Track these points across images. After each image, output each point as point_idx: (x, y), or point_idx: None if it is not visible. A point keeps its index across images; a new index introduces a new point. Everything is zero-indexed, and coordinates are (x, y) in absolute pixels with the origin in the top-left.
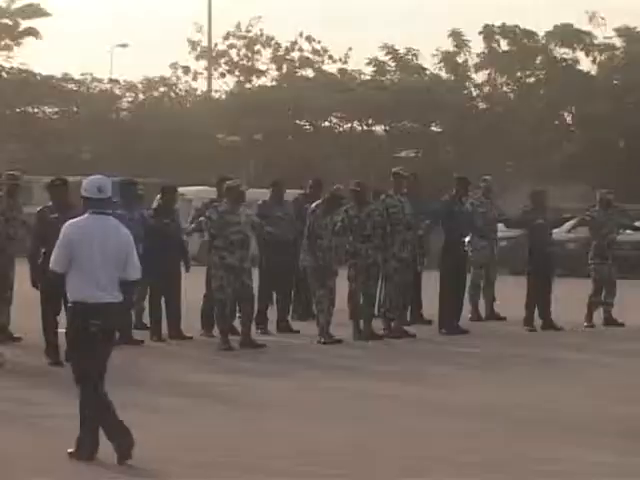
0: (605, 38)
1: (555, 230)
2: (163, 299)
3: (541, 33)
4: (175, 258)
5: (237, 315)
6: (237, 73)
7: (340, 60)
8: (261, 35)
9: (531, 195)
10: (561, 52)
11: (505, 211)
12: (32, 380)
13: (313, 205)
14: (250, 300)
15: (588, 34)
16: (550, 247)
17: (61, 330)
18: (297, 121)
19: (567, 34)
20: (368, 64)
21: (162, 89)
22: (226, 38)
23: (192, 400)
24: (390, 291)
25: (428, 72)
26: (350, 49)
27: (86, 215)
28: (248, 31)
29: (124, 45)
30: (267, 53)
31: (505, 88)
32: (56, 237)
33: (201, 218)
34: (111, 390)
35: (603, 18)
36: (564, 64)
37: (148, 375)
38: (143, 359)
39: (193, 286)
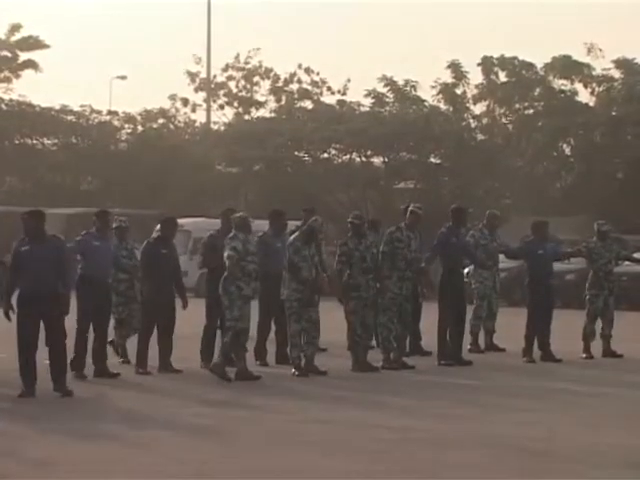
0: (603, 70)
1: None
2: (156, 330)
3: (540, 64)
4: (170, 289)
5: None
6: (236, 105)
7: (339, 91)
8: (260, 67)
9: (532, 226)
10: (560, 83)
11: (505, 242)
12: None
13: (292, 237)
14: (248, 331)
15: (587, 66)
16: (550, 278)
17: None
18: (296, 152)
19: (566, 66)
20: (367, 95)
21: (161, 121)
22: (225, 70)
23: (174, 433)
24: (387, 322)
25: (427, 103)
26: (349, 80)
27: None
28: (247, 63)
29: (123, 77)
30: (266, 85)
31: (504, 119)
32: (27, 268)
33: (227, 253)
34: (87, 423)
35: (601, 50)
36: (563, 95)
37: (132, 409)
38: (124, 392)
39: (189, 318)
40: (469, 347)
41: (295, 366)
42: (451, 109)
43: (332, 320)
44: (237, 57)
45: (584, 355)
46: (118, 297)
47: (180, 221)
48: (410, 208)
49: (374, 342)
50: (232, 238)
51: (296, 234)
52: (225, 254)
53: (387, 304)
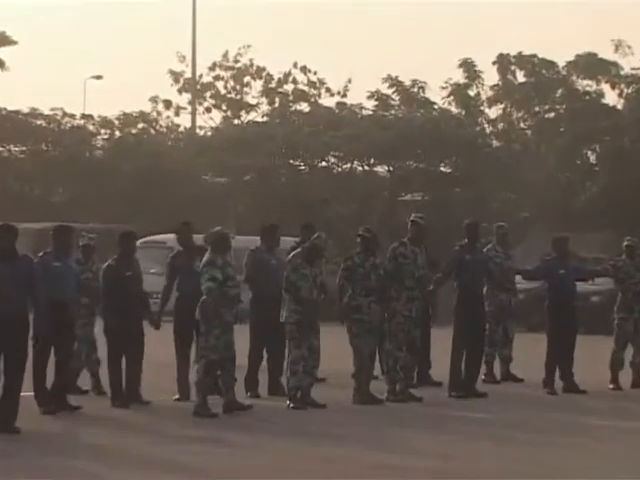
0: (633, 69)
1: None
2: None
3: (562, 63)
4: (137, 314)
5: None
6: (224, 108)
7: (339, 93)
8: (251, 66)
9: (553, 242)
10: (584, 84)
11: (522, 261)
12: None
13: (291, 255)
14: (234, 359)
15: (614, 64)
16: (573, 300)
17: None
18: (291, 161)
19: (590, 64)
20: (370, 97)
21: (141, 125)
22: (212, 69)
23: (143, 474)
24: (393, 350)
25: (436, 106)
26: (349, 81)
27: None
28: (236, 61)
29: (99, 77)
30: (257, 85)
31: (522, 124)
32: None
33: (205, 285)
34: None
35: (630, 47)
36: (587, 97)
37: (105, 446)
38: (94, 428)
39: (164, 343)
40: (483, 377)
41: (291, 397)
42: (463, 113)
43: (331, 346)
44: (225, 55)
45: (611, 386)
46: (81, 319)
47: (162, 237)
48: (411, 218)
49: (378, 371)
50: (209, 264)
51: (297, 251)
52: (203, 286)
53: (394, 329)
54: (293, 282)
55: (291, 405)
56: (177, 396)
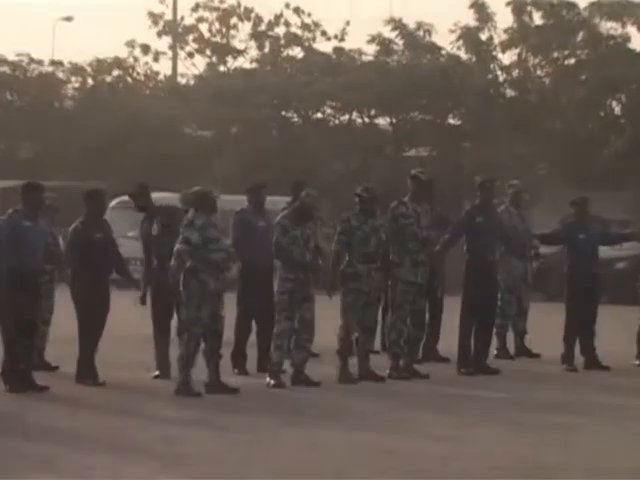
0: None
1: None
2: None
3: (583, 4)
4: (107, 282)
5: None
6: (208, 53)
7: (335, 37)
8: (238, 6)
9: (571, 204)
10: (608, 27)
11: (539, 224)
12: None
13: (279, 216)
14: (220, 334)
15: None
16: (595, 267)
17: None
18: (283, 112)
19: (615, 5)
20: (370, 42)
21: (116, 73)
22: (195, 10)
23: (116, 458)
24: (397, 322)
25: (444, 52)
26: (348, 23)
27: None
28: (222, 1)
29: (68, 19)
30: (245, 28)
31: (539, 71)
32: None
33: (177, 247)
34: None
35: None
36: (611, 42)
37: (74, 429)
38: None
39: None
40: (495, 352)
41: (271, 374)
42: (474, 59)
43: (326, 319)
44: None
45: (638, 362)
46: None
47: None
48: (412, 173)
49: (379, 346)
50: (186, 225)
51: (285, 212)
52: (175, 247)
53: (398, 299)
54: (283, 246)
55: (272, 383)
56: (156, 373)
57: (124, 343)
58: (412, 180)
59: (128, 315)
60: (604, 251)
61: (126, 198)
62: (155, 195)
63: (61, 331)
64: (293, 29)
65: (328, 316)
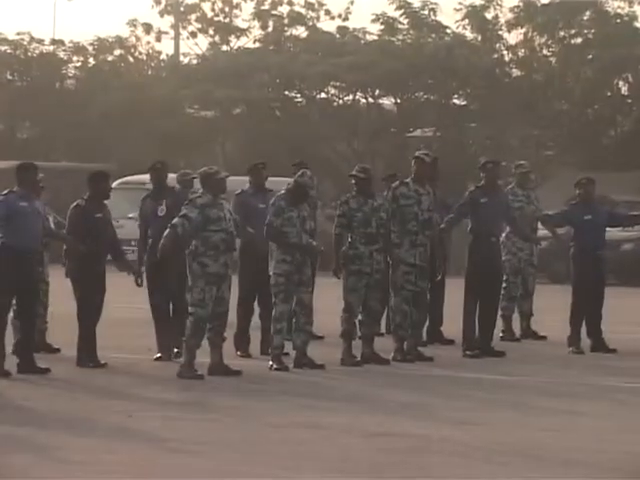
0: None
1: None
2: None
3: None
4: (104, 263)
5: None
6: (211, 32)
7: (339, 16)
8: None
9: (577, 185)
10: (615, 6)
11: (546, 205)
12: None
13: (275, 197)
14: (224, 316)
15: None
16: (601, 249)
17: None
18: (286, 92)
19: None
20: (374, 21)
21: (118, 52)
22: None
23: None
24: (400, 304)
25: (449, 31)
26: (352, 2)
27: None
28: None
29: None
30: (248, 7)
31: (545, 51)
32: None
33: (174, 220)
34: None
35: None
36: (619, 21)
37: (72, 413)
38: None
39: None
40: (501, 334)
41: (273, 357)
42: (479, 38)
43: (331, 300)
44: None
45: None
46: None
47: (141, 178)
48: (415, 154)
49: (383, 328)
50: (187, 203)
51: (280, 192)
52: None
53: (399, 281)
54: (276, 227)
55: (274, 366)
56: (158, 355)
57: (126, 326)
58: (415, 161)
59: (131, 297)
60: (611, 232)
61: (128, 179)
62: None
63: (65, 310)
64: (297, 8)
65: (333, 297)
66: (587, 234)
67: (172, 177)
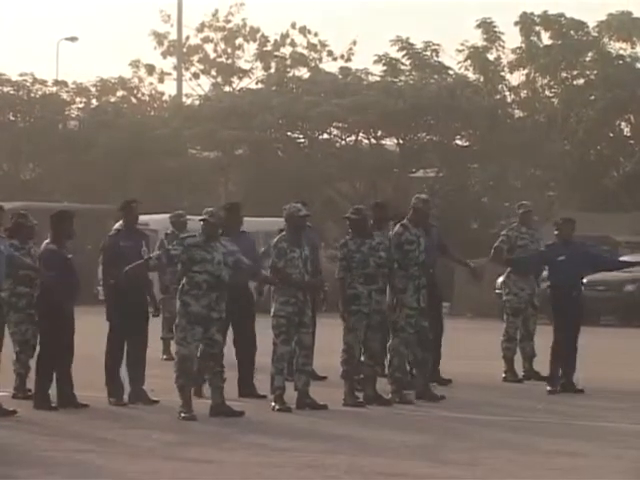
0: None
1: None
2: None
3: (592, 23)
4: (72, 305)
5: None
6: (214, 73)
7: (342, 57)
8: (243, 26)
9: (555, 225)
10: (617, 47)
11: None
12: None
13: (276, 239)
14: (218, 357)
15: None
16: (574, 290)
17: None
18: (288, 133)
19: (624, 24)
20: (377, 62)
21: (120, 93)
22: (200, 30)
23: None
24: (398, 346)
25: (451, 72)
26: (354, 43)
27: None
28: (227, 21)
29: (73, 39)
30: (251, 48)
31: (547, 92)
32: None
33: (153, 253)
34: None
35: None
36: (620, 61)
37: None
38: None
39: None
40: (503, 375)
41: (276, 398)
42: (482, 79)
43: (333, 340)
44: (215, 14)
45: None
46: (18, 314)
47: (143, 218)
48: (412, 202)
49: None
50: (178, 241)
51: (281, 234)
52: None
53: (402, 324)
54: (280, 269)
55: (276, 407)
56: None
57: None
58: (413, 209)
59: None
60: (614, 273)
61: None
62: (162, 216)
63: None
64: (299, 49)
65: (336, 338)
66: (560, 276)
67: (165, 217)
